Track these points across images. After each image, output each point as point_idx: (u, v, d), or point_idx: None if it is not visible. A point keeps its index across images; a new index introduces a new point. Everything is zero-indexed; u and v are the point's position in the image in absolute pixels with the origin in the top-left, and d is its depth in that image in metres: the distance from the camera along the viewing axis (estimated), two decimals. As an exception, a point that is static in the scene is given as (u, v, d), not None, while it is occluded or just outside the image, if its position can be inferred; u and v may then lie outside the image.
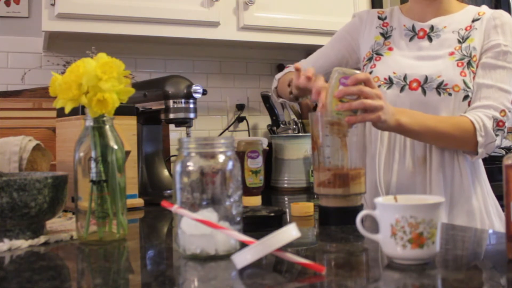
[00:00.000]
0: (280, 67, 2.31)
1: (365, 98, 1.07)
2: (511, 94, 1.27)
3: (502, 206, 0.92)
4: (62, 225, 1.14)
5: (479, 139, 1.22)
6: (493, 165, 1.83)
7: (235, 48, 2.21)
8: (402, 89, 1.30)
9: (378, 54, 1.39)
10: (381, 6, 2.02)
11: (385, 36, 1.42)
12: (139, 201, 1.44)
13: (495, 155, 2.35)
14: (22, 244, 0.96)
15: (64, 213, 1.29)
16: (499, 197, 1.33)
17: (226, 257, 0.82)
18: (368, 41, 1.44)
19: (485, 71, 1.28)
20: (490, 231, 1.19)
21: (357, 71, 1.10)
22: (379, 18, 1.45)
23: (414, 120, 1.18)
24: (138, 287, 0.74)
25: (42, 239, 0.99)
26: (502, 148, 2.47)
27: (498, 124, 1.24)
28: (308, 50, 2.33)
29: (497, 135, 1.24)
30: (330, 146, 1.10)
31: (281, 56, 2.34)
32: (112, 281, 0.76)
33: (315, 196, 1.18)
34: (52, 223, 1.15)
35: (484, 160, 1.40)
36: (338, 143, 1.09)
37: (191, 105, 1.58)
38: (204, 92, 1.58)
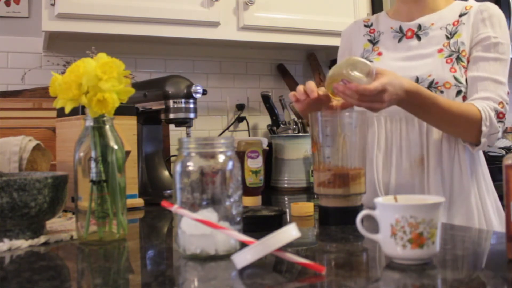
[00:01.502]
0: (280, 67, 2.31)
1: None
2: (506, 85, 1.28)
3: (502, 206, 0.92)
4: (62, 225, 1.14)
5: (483, 128, 1.21)
6: (493, 165, 1.83)
7: (235, 48, 2.21)
8: None
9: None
10: (381, 6, 2.02)
11: (373, 42, 1.44)
12: (139, 201, 1.44)
13: (495, 155, 2.35)
14: (22, 244, 0.96)
15: (64, 213, 1.29)
16: (499, 197, 1.34)
17: (226, 257, 0.82)
18: (358, 50, 1.46)
19: (478, 64, 1.28)
20: (491, 231, 1.19)
21: (368, 65, 1.10)
22: (365, 26, 1.48)
23: (419, 108, 1.18)
24: (138, 287, 0.74)
25: (42, 239, 0.99)
26: (502, 148, 2.46)
27: (499, 116, 1.24)
28: (308, 50, 2.34)
29: (498, 127, 1.24)
30: (330, 146, 1.10)
31: (281, 56, 2.34)
32: (112, 281, 0.76)
33: (315, 196, 1.18)
34: (52, 223, 1.15)
35: (485, 159, 1.40)
36: (338, 142, 1.10)
37: (191, 105, 1.58)
38: (204, 92, 1.58)
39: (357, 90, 1.06)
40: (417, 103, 1.17)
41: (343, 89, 1.07)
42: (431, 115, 1.20)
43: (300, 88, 1.16)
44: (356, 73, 1.08)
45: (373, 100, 1.08)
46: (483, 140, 1.23)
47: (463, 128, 1.24)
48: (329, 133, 1.10)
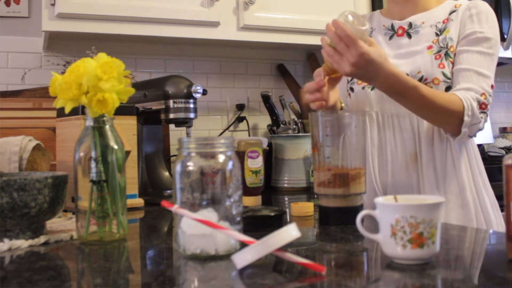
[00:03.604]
0: (280, 67, 2.31)
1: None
2: (490, 78, 1.28)
3: (502, 206, 0.92)
4: (62, 225, 1.14)
5: (466, 118, 1.21)
6: (493, 165, 1.83)
7: (235, 48, 2.21)
8: None
9: None
10: (381, 6, 2.02)
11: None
12: (139, 201, 1.44)
13: (495, 155, 2.35)
14: (22, 244, 0.96)
15: (64, 213, 1.29)
16: (499, 197, 1.34)
17: (226, 257, 0.82)
18: None
19: (462, 57, 1.29)
20: (490, 231, 1.19)
21: (367, 24, 1.09)
22: None
23: (395, 92, 1.17)
24: (138, 287, 0.74)
25: (42, 239, 0.99)
26: (502, 148, 2.47)
27: (481, 107, 1.24)
28: (308, 50, 2.34)
29: (481, 117, 1.24)
30: (330, 146, 1.10)
31: (281, 56, 2.34)
32: (112, 281, 0.76)
33: (315, 196, 1.18)
34: (52, 223, 1.15)
35: (484, 160, 1.41)
36: (338, 142, 1.10)
37: (191, 105, 1.58)
38: (204, 92, 1.58)
39: (342, 28, 1.06)
40: (396, 88, 1.16)
41: (331, 26, 1.08)
42: (412, 102, 1.19)
43: (309, 95, 1.18)
44: (351, 19, 1.08)
45: (346, 51, 1.07)
46: (463, 130, 1.22)
47: (445, 117, 1.23)
48: (329, 133, 1.10)
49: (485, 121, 1.27)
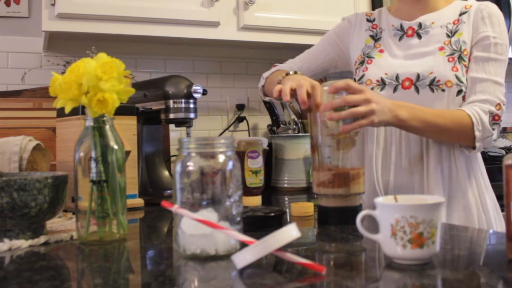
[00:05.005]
0: (280, 67, 2.31)
1: (353, 106, 1.09)
2: (504, 86, 1.29)
3: (502, 206, 0.92)
4: (62, 225, 1.14)
5: (476, 133, 1.22)
6: (493, 165, 1.83)
7: (235, 48, 2.21)
8: (395, 89, 1.31)
9: (369, 57, 1.40)
10: (381, 5, 2.02)
11: (375, 38, 1.43)
12: (139, 201, 1.44)
13: (495, 155, 2.35)
14: (22, 244, 0.96)
15: (64, 213, 1.29)
16: (499, 197, 1.34)
17: (226, 257, 0.82)
18: (359, 45, 1.45)
19: (478, 65, 1.29)
20: (491, 231, 1.19)
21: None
22: (367, 20, 1.48)
23: (413, 115, 1.19)
24: (138, 287, 0.74)
25: (42, 239, 0.99)
26: (502, 148, 2.46)
27: (494, 118, 1.24)
28: (308, 50, 2.34)
29: (493, 129, 1.25)
30: (330, 146, 1.10)
31: (281, 56, 2.32)
32: (112, 281, 0.76)
33: (315, 196, 1.18)
34: (52, 223, 1.15)
35: (484, 160, 1.40)
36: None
37: (191, 105, 1.58)
38: (204, 92, 1.58)
39: (336, 87, 1.09)
40: (408, 113, 1.18)
41: (330, 103, 1.08)
42: (424, 124, 1.20)
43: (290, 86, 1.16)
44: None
45: (359, 99, 1.09)
46: (477, 144, 1.24)
47: (457, 136, 1.25)
48: (331, 144, 1.10)
49: (499, 131, 1.27)
